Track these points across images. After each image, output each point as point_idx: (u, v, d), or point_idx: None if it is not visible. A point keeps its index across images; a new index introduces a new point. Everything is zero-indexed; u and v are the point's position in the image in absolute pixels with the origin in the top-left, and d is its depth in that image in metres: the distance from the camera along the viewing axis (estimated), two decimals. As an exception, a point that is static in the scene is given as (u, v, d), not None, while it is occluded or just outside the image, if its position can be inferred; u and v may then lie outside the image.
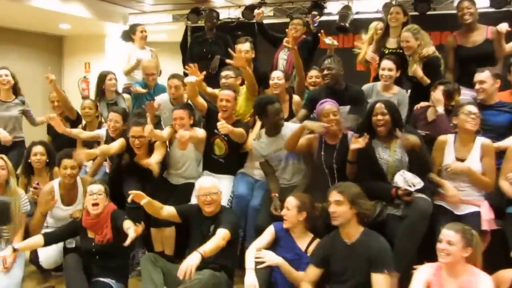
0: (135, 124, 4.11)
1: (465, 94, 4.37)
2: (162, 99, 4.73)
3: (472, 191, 3.41)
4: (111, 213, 3.59)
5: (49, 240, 3.60)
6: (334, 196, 3.03)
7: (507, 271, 2.76)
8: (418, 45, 4.31)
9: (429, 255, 3.05)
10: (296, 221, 3.29)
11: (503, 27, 4.21)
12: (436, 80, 4.13)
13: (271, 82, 4.49)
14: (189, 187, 4.18)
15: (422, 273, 2.87)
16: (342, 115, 4.05)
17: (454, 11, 6.56)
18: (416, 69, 4.25)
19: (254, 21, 6.99)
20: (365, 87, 4.36)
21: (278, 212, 3.55)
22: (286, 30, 5.10)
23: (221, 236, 3.27)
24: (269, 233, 3.39)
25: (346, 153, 3.55)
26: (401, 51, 4.56)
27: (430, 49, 4.32)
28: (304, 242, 3.34)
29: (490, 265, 2.90)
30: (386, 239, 3.14)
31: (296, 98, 4.58)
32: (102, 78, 5.22)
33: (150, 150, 4.17)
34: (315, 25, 5.13)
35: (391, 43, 4.72)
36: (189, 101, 4.49)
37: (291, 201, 3.32)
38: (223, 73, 4.62)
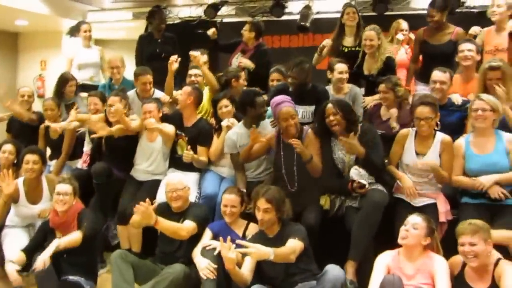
0: (113, 94, 4.39)
1: (424, 89, 4.59)
2: (129, 95, 4.74)
3: (428, 184, 3.57)
4: (78, 212, 3.59)
5: (30, 253, 3.55)
6: (263, 204, 3.17)
7: (459, 256, 2.92)
8: (379, 44, 4.50)
9: (389, 247, 3.22)
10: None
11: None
12: None
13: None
14: (156, 183, 4.21)
15: (382, 260, 3.05)
16: (308, 115, 4.22)
17: (411, 12, 6.98)
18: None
19: (217, 19, 7.19)
20: None
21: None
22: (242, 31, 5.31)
23: (185, 227, 3.40)
24: (207, 234, 3.49)
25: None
26: (358, 49, 4.77)
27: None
28: (241, 228, 3.53)
29: (447, 252, 3.08)
30: (345, 230, 3.46)
31: None
32: (63, 82, 5.14)
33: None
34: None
35: (348, 41, 4.92)
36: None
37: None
38: (192, 72, 4.72)
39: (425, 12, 6.60)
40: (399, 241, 2.96)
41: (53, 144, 4.79)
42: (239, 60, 5.12)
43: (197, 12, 7.40)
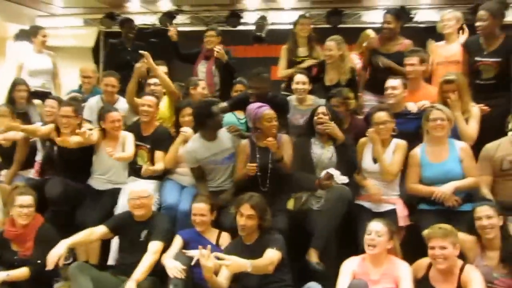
0: (65, 104, 4.16)
1: (371, 100, 4.79)
2: (93, 102, 4.66)
3: (387, 190, 3.69)
4: (39, 227, 3.47)
5: None
6: (247, 210, 3.18)
7: (424, 259, 3.05)
8: (340, 55, 4.59)
9: (353, 252, 3.32)
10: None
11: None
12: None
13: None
14: (116, 192, 4.11)
15: (348, 265, 3.12)
16: None
17: (362, 25, 7.21)
18: None
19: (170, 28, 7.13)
20: None
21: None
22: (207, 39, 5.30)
23: (154, 251, 3.33)
24: (177, 242, 3.45)
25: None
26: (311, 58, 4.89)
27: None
28: (213, 236, 3.50)
29: (406, 257, 3.21)
30: (307, 232, 3.55)
31: None
32: (12, 86, 5.00)
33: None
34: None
35: (301, 52, 5.01)
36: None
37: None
38: (151, 81, 4.66)
39: (375, 25, 6.97)
40: (368, 251, 3.02)
41: (4, 153, 4.59)
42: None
43: (151, 20, 7.34)
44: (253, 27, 6.96)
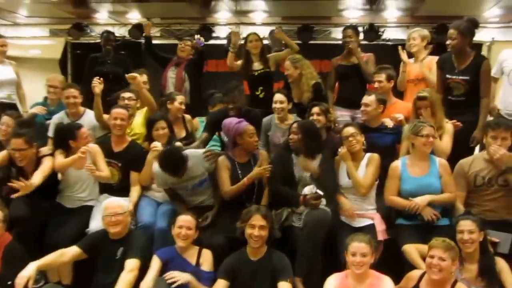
0: (15, 136, 3.81)
1: (343, 115, 4.84)
2: (58, 118, 4.50)
3: (364, 204, 3.72)
4: (6, 245, 3.32)
5: None
6: (259, 221, 3.17)
7: (416, 271, 3.09)
8: (299, 73, 4.62)
9: (335, 266, 3.34)
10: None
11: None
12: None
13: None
14: (87, 210, 3.97)
15: (331, 283, 3.10)
16: None
17: (332, 42, 7.34)
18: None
19: (141, 40, 7.05)
20: (264, 120, 4.50)
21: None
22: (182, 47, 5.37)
23: (130, 269, 3.22)
24: (155, 263, 3.31)
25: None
26: (267, 69, 4.93)
27: None
28: (193, 256, 3.37)
29: (383, 271, 3.17)
30: (289, 248, 3.47)
31: (187, 116, 4.67)
32: None
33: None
34: (201, 45, 5.35)
35: (256, 66, 5.00)
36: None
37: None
38: (126, 95, 4.54)
39: (339, 42, 7.09)
40: (355, 271, 3.00)
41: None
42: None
43: (121, 32, 7.24)
44: (224, 41, 6.98)
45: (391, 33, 7.33)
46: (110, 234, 3.42)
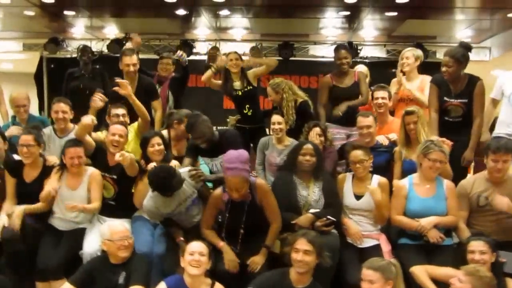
0: (26, 133, 3.91)
1: (340, 133, 4.82)
2: (46, 132, 4.29)
3: (370, 225, 3.73)
4: None
5: None
6: (304, 245, 2.99)
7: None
8: (281, 98, 4.63)
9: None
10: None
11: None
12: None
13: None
14: (80, 233, 3.81)
15: None
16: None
17: (311, 58, 7.44)
18: None
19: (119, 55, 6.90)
20: (262, 139, 4.48)
21: None
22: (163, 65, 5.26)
23: None
24: None
25: (256, 214, 3.49)
26: (250, 87, 4.84)
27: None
28: None
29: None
30: None
31: None
32: None
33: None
34: (185, 61, 5.28)
35: (237, 85, 4.89)
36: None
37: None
38: (119, 111, 4.37)
39: (324, 59, 7.22)
40: None
41: None
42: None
43: (98, 46, 7.07)
44: (204, 57, 6.94)
45: (368, 51, 7.49)
46: (114, 259, 3.29)
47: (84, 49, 5.51)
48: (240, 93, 4.86)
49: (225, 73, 4.96)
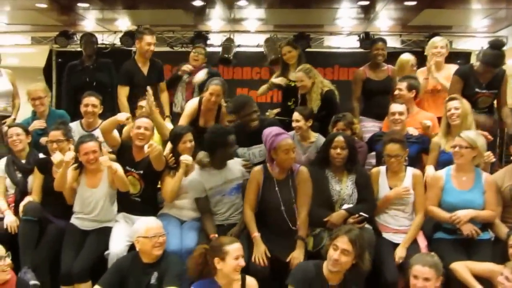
0: (54, 129, 3.98)
1: (374, 126, 4.83)
2: (72, 127, 4.23)
3: (405, 220, 3.64)
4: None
5: None
6: (344, 243, 2.86)
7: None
8: (312, 83, 4.53)
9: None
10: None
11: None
12: (335, 112, 4.35)
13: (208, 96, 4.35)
14: (105, 232, 3.72)
15: None
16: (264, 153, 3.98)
17: (326, 50, 7.31)
18: None
19: (132, 48, 6.77)
20: (290, 133, 4.26)
21: None
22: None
23: None
24: None
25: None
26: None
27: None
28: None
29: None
30: None
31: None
32: None
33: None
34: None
35: (293, 76, 4.81)
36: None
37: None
38: (143, 103, 4.30)
39: (339, 50, 7.10)
40: None
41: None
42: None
43: (110, 39, 6.93)
44: (218, 49, 6.81)
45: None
46: (147, 258, 3.19)
47: (90, 41, 5.35)
48: (293, 84, 4.75)
49: (283, 63, 4.92)
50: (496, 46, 4.21)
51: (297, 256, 3.35)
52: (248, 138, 4.07)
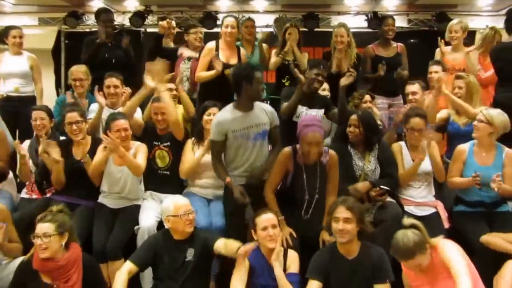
0: (70, 111, 3.87)
1: (383, 102, 4.93)
2: (93, 109, 4.29)
3: (427, 193, 3.75)
4: (83, 260, 3.00)
5: None
6: (343, 213, 2.90)
7: None
8: (348, 41, 4.76)
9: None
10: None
11: None
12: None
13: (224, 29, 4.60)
14: (135, 210, 3.78)
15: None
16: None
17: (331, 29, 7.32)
18: None
19: (141, 29, 6.77)
20: None
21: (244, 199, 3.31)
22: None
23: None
24: (245, 265, 3.05)
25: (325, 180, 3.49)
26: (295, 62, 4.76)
27: None
28: (280, 259, 3.06)
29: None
30: None
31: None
32: None
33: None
34: None
35: (290, 55, 4.88)
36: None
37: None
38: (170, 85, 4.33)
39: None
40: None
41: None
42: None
43: (118, 20, 6.90)
44: (227, 29, 6.78)
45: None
46: (180, 235, 3.21)
47: (107, 17, 5.23)
48: (287, 62, 4.80)
49: (283, 40, 4.94)
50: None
51: (327, 238, 3.29)
52: (309, 98, 4.00)
